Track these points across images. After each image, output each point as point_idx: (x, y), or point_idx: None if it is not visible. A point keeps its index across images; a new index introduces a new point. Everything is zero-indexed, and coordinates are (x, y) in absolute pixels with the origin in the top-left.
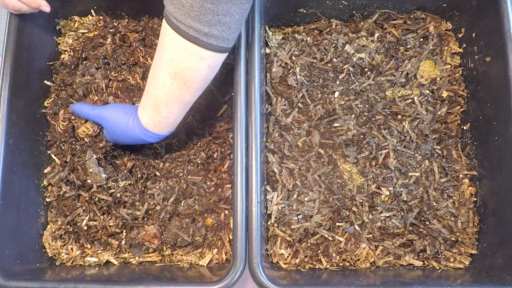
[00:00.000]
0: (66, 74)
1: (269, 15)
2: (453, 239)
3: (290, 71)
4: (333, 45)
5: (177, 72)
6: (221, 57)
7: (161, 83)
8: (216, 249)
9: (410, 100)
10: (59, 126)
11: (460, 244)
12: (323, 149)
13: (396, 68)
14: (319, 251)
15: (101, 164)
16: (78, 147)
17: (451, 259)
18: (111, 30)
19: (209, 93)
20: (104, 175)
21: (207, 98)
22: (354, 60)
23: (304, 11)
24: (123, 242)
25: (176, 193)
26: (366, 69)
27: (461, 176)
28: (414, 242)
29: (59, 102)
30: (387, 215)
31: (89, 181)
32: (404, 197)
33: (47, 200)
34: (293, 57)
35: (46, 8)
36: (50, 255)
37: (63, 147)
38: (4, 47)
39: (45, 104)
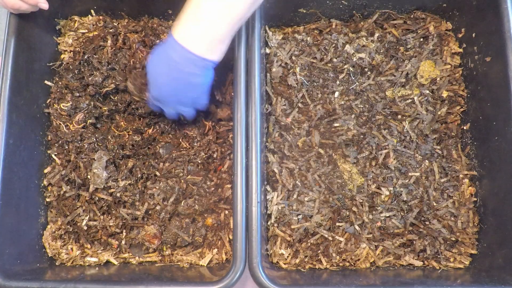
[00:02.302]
0: (71, 79)
1: (269, 15)
2: (453, 239)
3: (290, 71)
4: (333, 45)
5: None
6: None
7: None
8: (216, 249)
9: (410, 100)
10: (69, 127)
11: (460, 244)
12: (323, 149)
13: (396, 68)
14: (319, 251)
15: (108, 167)
16: (86, 145)
17: (451, 259)
18: (111, 30)
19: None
20: (104, 179)
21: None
22: (354, 60)
23: (304, 11)
24: (123, 242)
25: (176, 193)
26: (366, 69)
27: (461, 176)
28: (414, 242)
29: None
30: (387, 215)
31: (89, 177)
32: (404, 197)
33: (47, 200)
34: (293, 57)
35: (44, 5)
36: (50, 255)
37: (66, 147)
38: (4, 47)
39: (62, 106)
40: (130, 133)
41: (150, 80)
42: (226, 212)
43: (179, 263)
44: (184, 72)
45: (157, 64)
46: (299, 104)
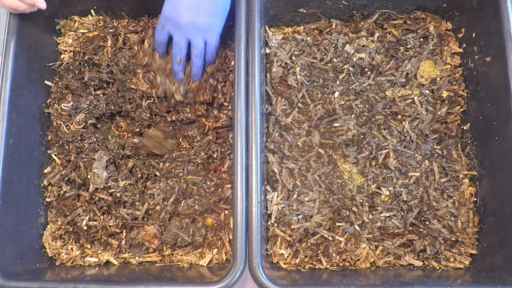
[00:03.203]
0: (71, 79)
1: (269, 15)
2: (453, 239)
3: (290, 71)
4: (333, 45)
5: None
6: None
7: None
8: (216, 249)
9: (410, 100)
10: (70, 127)
11: (460, 244)
12: (323, 149)
13: (396, 68)
14: (319, 251)
15: (108, 167)
16: (86, 145)
17: (451, 259)
18: (111, 30)
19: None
20: (104, 178)
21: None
22: (354, 60)
23: (304, 11)
24: (123, 242)
25: (176, 193)
26: (366, 69)
27: (461, 176)
28: (414, 242)
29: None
30: (387, 215)
31: (89, 177)
32: (404, 197)
33: (47, 200)
34: (293, 57)
35: (42, 4)
36: (50, 255)
37: (67, 147)
38: (4, 47)
39: (62, 106)
40: (129, 135)
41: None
42: (226, 212)
43: (179, 263)
44: None
45: None
46: (299, 104)
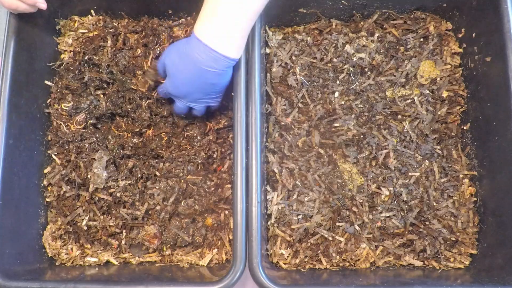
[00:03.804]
0: (71, 79)
1: (269, 15)
2: (453, 239)
3: (290, 71)
4: (333, 45)
5: None
6: None
7: None
8: (216, 249)
9: (410, 100)
10: (70, 127)
11: (460, 244)
12: (323, 149)
13: (396, 68)
14: (319, 251)
15: (108, 167)
16: (86, 145)
17: (451, 259)
18: (111, 30)
19: None
20: (104, 178)
21: None
22: (354, 60)
23: (304, 11)
24: (123, 242)
25: (176, 193)
26: (366, 69)
27: (461, 176)
28: (414, 242)
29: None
30: (387, 215)
31: (89, 176)
32: (404, 197)
33: (47, 200)
34: (293, 57)
35: (42, 4)
36: (50, 255)
37: (67, 147)
38: (4, 47)
39: (63, 106)
40: (129, 135)
41: (169, 77)
42: (226, 212)
43: (179, 263)
44: (205, 71)
45: (179, 62)
46: (299, 104)
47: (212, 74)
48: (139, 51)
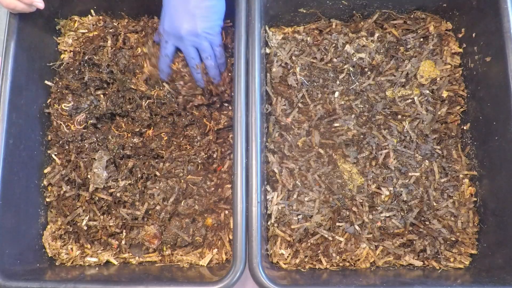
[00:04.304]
0: (71, 79)
1: (269, 15)
2: (453, 239)
3: (290, 71)
4: (333, 45)
5: None
6: None
7: None
8: (216, 249)
9: (410, 100)
10: (70, 127)
11: (460, 244)
12: (323, 149)
13: (396, 68)
14: (319, 251)
15: (108, 167)
16: (86, 145)
17: (451, 259)
18: (111, 30)
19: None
20: (104, 178)
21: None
22: (354, 60)
23: (304, 11)
24: (123, 242)
25: (176, 193)
26: (366, 69)
27: (461, 176)
28: (414, 242)
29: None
30: (387, 215)
31: (89, 176)
32: (404, 197)
33: (47, 200)
34: (293, 57)
35: (40, 4)
36: (50, 255)
37: (67, 147)
38: (4, 47)
39: (63, 106)
40: (129, 135)
41: (163, 7)
42: (226, 212)
43: (179, 263)
44: None
45: None
46: (299, 104)
47: None
48: (139, 50)
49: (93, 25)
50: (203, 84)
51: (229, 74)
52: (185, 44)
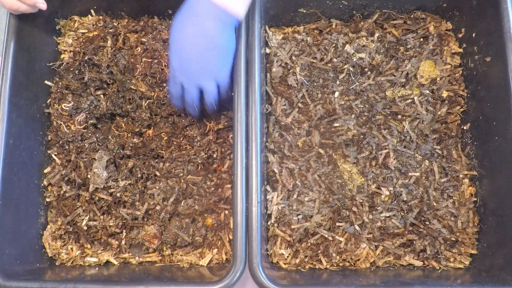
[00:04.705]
0: (71, 79)
1: (269, 15)
2: (453, 239)
3: (290, 71)
4: (333, 45)
5: None
6: None
7: None
8: (216, 249)
9: (410, 100)
10: (70, 127)
11: (460, 244)
12: (323, 149)
13: (396, 68)
14: (319, 251)
15: (108, 167)
16: (86, 145)
17: (451, 259)
18: (111, 30)
19: None
20: (104, 178)
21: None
22: (354, 60)
23: (304, 11)
24: (123, 242)
25: (176, 193)
26: (366, 69)
27: (461, 176)
28: (414, 242)
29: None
30: (387, 215)
31: (89, 176)
32: (404, 197)
33: (47, 200)
34: (293, 57)
35: (42, 5)
36: (50, 255)
37: (67, 147)
38: (4, 47)
39: (63, 106)
40: (129, 135)
41: (171, 45)
42: (226, 212)
43: (179, 263)
44: (207, 28)
45: (181, 19)
46: (299, 104)
47: (215, 32)
48: (139, 49)
49: (93, 25)
50: (196, 116)
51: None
52: (191, 82)
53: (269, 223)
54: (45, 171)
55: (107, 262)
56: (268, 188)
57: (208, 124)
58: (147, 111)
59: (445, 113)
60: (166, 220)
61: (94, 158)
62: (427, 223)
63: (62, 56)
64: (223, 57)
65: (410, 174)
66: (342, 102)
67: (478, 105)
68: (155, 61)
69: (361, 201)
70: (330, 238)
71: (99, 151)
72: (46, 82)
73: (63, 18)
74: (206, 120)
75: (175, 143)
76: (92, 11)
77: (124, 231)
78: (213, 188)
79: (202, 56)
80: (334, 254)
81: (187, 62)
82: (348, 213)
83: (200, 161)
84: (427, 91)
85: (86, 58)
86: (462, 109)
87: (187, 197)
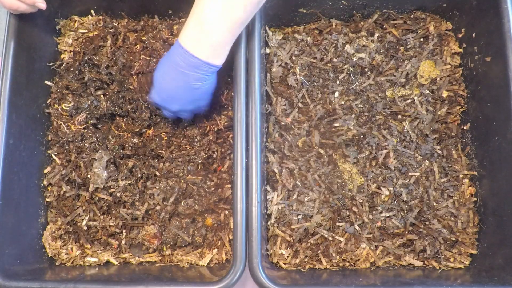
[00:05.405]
0: (71, 79)
1: (269, 15)
2: (453, 239)
3: (290, 71)
4: (333, 45)
5: None
6: None
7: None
8: (216, 249)
9: (410, 100)
10: (71, 127)
11: (460, 244)
12: (323, 149)
13: (396, 68)
14: (319, 251)
15: (108, 167)
16: (86, 145)
17: (451, 259)
18: (111, 30)
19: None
20: (104, 178)
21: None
22: (354, 60)
23: (304, 11)
24: (123, 242)
25: (176, 193)
26: (366, 69)
27: (461, 176)
28: (414, 242)
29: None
30: (387, 215)
31: (89, 176)
32: (404, 197)
33: (47, 200)
34: (293, 57)
35: (42, 4)
36: (50, 255)
37: (67, 147)
38: (4, 47)
39: (63, 107)
40: (129, 135)
41: (154, 85)
42: (226, 212)
43: (179, 263)
44: (187, 76)
45: (162, 68)
46: (299, 104)
47: (194, 78)
48: (138, 47)
49: (93, 25)
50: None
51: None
52: (170, 113)
53: (269, 223)
54: (45, 171)
55: (107, 262)
56: (268, 188)
57: (208, 124)
58: (147, 111)
59: (445, 113)
60: (166, 220)
61: (94, 158)
62: (427, 223)
63: (62, 56)
64: (204, 98)
65: (410, 174)
66: (342, 102)
67: (478, 105)
68: (154, 60)
69: (361, 201)
70: (330, 238)
71: (99, 151)
72: (46, 82)
73: (63, 18)
74: (206, 119)
75: (175, 143)
76: (92, 11)
77: (124, 231)
78: (213, 188)
79: (181, 98)
80: (334, 254)
81: (169, 104)
82: (348, 213)
83: (200, 161)
84: (427, 91)
85: (86, 58)
86: (462, 109)
87: (187, 197)
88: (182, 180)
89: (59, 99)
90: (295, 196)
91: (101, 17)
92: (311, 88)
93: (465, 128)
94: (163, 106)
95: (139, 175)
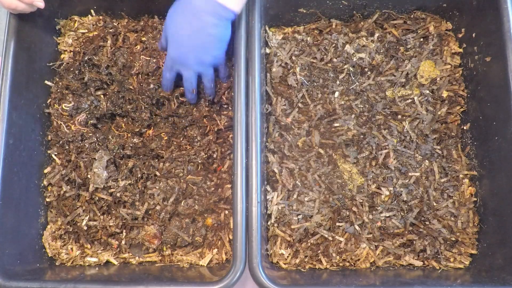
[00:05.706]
0: (71, 79)
1: (269, 15)
2: (453, 239)
3: (290, 71)
4: (333, 45)
5: None
6: None
7: None
8: (216, 249)
9: (410, 100)
10: (71, 127)
11: (460, 244)
12: (323, 149)
13: (396, 68)
14: (319, 251)
15: (108, 167)
16: (86, 145)
17: (451, 259)
18: (111, 30)
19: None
20: (104, 178)
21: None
22: (354, 60)
23: (304, 11)
24: (123, 242)
25: (176, 193)
26: (366, 69)
27: (461, 176)
28: (414, 242)
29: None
30: (387, 215)
31: (89, 176)
32: (404, 197)
33: (47, 200)
34: (293, 57)
35: (40, 3)
36: (50, 255)
37: (67, 147)
38: (4, 47)
39: (63, 107)
40: (129, 135)
41: (169, 36)
42: (226, 212)
43: (179, 263)
44: (204, 22)
45: (179, 12)
46: (299, 104)
47: (213, 26)
48: (138, 47)
49: (93, 25)
50: (193, 103)
51: (230, 80)
52: (190, 71)
53: (269, 223)
54: (45, 171)
55: (107, 262)
56: (268, 188)
57: (208, 124)
58: (147, 111)
59: (445, 113)
60: (166, 220)
61: (94, 158)
62: (427, 223)
63: (62, 56)
64: (220, 47)
65: (410, 174)
66: (342, 102)
67: (478, 105)
68: (154, 60)
69: (361, 201)
70: (330, 238)
71: (99, 151)
72: (46, 82)
73: (63, 18)
74: (206, 119)
75: (175, 143)
76: (92, 11)
77: (124, 231)
78: (213, 188)
79: (200, 49)
80: (334, 254)
81: (186, 54)
82: (348, 213)
83: (200, 161)
84: (427, 91)
85: (86, 58)
86: (462, 109)
87: (187, 197)
88: (182, 180)
89: (59, 99)
90: (295, 196)
91: (101, 17)
92: (311, 88)
93: (465, 128)
94: (180, 62)
95: (139, 175)
